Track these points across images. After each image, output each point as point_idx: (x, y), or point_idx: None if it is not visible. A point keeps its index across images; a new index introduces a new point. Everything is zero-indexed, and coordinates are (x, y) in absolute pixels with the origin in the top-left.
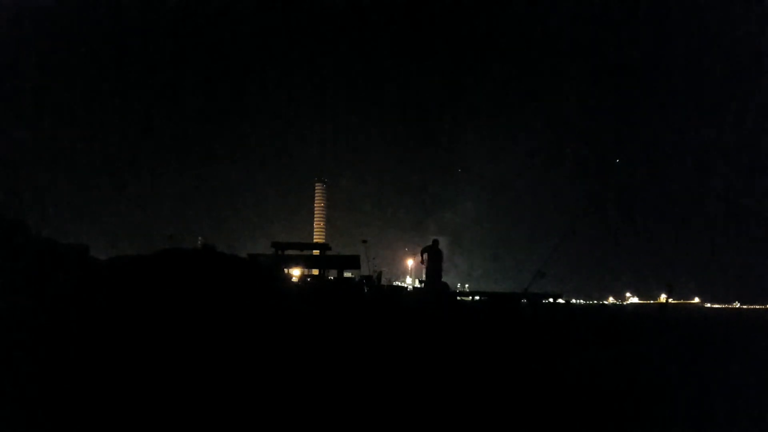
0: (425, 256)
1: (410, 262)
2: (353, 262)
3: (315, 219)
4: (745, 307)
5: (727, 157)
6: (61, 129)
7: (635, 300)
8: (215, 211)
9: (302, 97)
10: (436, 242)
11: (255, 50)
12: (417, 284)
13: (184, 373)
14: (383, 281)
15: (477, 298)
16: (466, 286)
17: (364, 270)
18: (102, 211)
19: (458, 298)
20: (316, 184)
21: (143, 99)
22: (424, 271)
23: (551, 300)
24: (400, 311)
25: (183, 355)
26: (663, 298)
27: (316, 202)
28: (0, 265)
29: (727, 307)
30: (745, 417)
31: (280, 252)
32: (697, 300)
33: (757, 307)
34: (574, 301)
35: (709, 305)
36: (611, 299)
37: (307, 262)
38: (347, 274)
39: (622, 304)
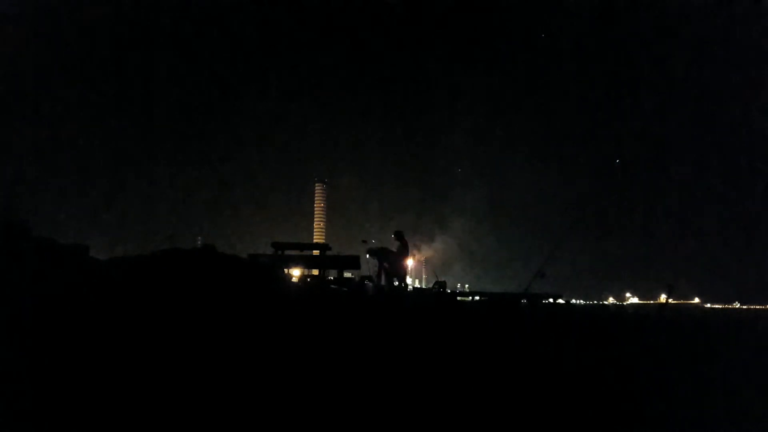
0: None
1: (410, 262)
2: (353, 263)
3: (315, 219)
4: (745, 307)
5: (727, 157)
6: (61, 129)
7: (635, 300)
8: (215, 211)
9: (302, 96)
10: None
11: (255, 50)
12: (417, 284)
13: (184, 374)
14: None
15: (477, 298)
16: (466, 286)
17: (364, 270)
18: (102, 211)
19: (458, 298)
20: (316, 184)
21: (143, 98)
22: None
23: (551, 300)
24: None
25: (182, 356)
26: (663, 298)
27: (316, 202)
28: (0, 266)
29: (727, 307)
30: (745, 417)
31: (280, 252)
32: (697, 300)
33: (757, 307)
34: (574, 301)
35: (709, 305)
36: (611, 299)
37: (307, 263)
38: (347, 275)
39: (622, 304)
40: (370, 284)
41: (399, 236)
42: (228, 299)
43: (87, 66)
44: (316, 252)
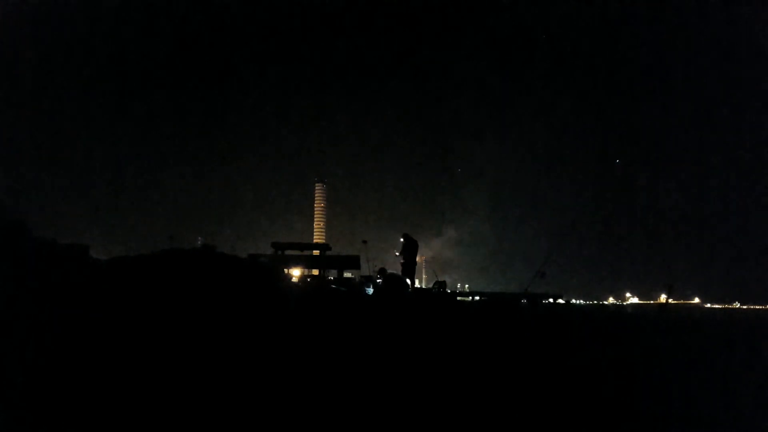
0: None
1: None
2: (353, 263)
3: (315, 219)
4: (745, 307)
5: (727, 157)
6: (62, 129)
7: (635, 300)
8: (215, 211)
9: (302, 96)
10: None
11: (255, 50)
12: (417, 284)
13: (184, 373)
14: None
15: (477, 298)
16: (466, 286)
17: (364, 270)
18: (102, 211)
19: (458, 298)
20: (316, 184)
21: (143, 99)
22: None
23: (551, 300)
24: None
25: (183, 355)
26: (663, 298)
27: (316, 202)
28: (0, 266)
29: (727, 307)
30: (745, 417)
31: (280, 252)
32: (697, 300)
33: (757, 307)
34: (574, 301)
35: (709, 305)
36: (611, 299)
37: (307, 263)
38: (347, 275)
39: (622, 304)
40: (371, 289)
41: (406, 237)
42: (228, 299)
43: (88, 66)
44: (316, 252)
